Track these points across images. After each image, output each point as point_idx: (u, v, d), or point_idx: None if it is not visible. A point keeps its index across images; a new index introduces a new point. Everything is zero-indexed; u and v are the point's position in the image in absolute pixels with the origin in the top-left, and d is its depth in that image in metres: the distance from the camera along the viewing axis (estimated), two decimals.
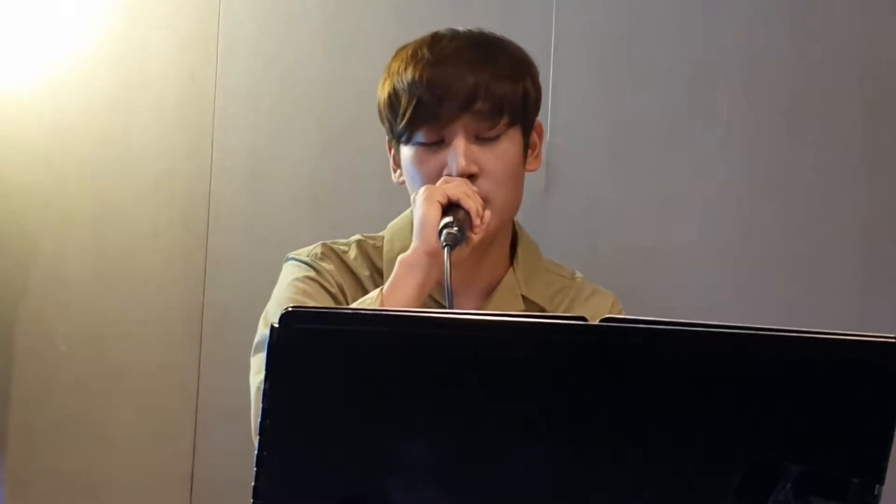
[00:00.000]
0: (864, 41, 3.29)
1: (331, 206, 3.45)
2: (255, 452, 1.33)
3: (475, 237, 1.94)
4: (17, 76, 3.59)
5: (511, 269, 2.09)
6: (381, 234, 2.11)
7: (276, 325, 1.29)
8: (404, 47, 2.04)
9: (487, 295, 2.08)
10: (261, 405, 1.32)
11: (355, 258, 2.07)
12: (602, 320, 1.32)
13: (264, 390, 1.32)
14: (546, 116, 3.30)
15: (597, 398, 1.33)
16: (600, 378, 1.32)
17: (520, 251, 2.11)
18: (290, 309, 1.30)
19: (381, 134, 2.13)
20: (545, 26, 3.36)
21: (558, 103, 3.33)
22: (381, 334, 1.31)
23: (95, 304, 3.55)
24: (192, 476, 3.49)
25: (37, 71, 3.59)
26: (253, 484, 1.33)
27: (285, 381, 1.31)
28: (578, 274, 2.17)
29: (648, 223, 3.34)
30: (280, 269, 2.12)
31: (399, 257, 1.93)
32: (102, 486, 3.52)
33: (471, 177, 1.97)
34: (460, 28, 2.05)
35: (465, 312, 1.36)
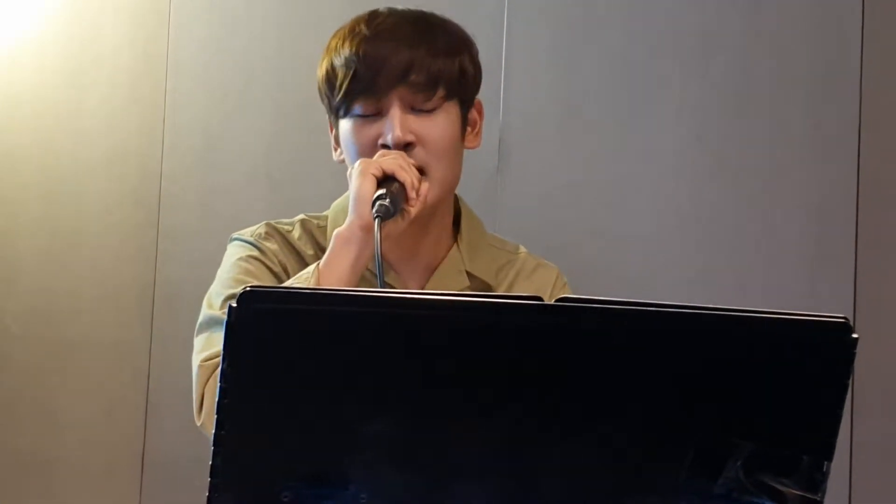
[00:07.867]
0: (817, 18, 3.31)
1: (284, 184, 3.45)
2: (213, 431, 1.33)
3: (412, 210, 1.94)
4: None
5: (455, 245, 2.10)
6: (325, 213, 2.11)
7: (234, 305, 1.29)
8: (343, 26, 2.05)
9: (431, 271, 2.08)
10: (218, 384, 1.33)
11: (299, 237, 2.08)
12: (557, 300, 1.33)
13: (222, 370, 1.32)
14: (498, 96, 3.31)
15: (552, 378, 1.34)
16: (555, 358, 1.33)
17: (463, 226, 2.11)
18: (248, 288, 1.31)
19: None
20: (498, 5, 3.37)
21: (510, 82, 3.34)
22: (339, 314, 1.31)
23: (46, 281, 3.54)
24: (143, 453, 3.49)
25: None
26: (210, 462, 1.34)
27: (243, 360, 1.31)
28: (522, 248, 2.18)
29: (601, 202, 3.36)
30: None
31: (335, 232, 1.94)
32: (53, 463, 3.51)
33: (407, 147, 1.98)
34: (399, 7, 2.06)
35: (428, 293, 1.37)
